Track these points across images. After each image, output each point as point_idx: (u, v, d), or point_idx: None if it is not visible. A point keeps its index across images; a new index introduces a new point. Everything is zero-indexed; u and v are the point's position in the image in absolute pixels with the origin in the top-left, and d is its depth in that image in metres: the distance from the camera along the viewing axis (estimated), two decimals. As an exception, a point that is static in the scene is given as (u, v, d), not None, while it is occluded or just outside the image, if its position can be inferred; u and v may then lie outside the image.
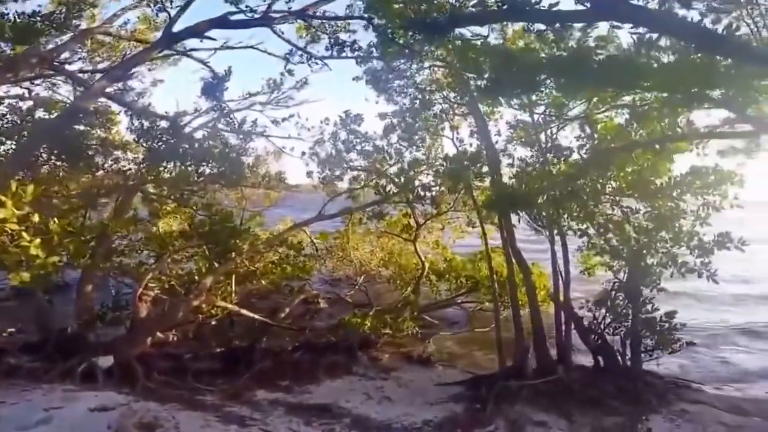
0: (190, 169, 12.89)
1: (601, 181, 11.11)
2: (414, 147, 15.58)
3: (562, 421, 9.47)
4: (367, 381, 12.45)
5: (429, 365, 14.04)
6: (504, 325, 13.26)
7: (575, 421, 9.44)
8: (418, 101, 14.91)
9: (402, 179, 15.15)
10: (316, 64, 12.84)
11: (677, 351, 11.24)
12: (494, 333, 13.26)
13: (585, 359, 12.21)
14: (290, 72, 14.41)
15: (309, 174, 16.17)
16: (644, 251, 10.80)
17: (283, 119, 16.10)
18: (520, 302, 12.70)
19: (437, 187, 15.20)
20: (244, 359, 12.50)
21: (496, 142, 13.57)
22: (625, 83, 8.11)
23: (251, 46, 13.64)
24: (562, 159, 11.86)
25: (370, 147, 15.52)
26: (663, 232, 10.67)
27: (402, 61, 13.66)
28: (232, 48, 13.91)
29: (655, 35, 6.50)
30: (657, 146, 10.33)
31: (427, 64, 14.25)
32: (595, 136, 11.47)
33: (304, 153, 16.06)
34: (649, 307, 11.14)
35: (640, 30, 6.15)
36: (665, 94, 8.61)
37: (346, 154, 15.58)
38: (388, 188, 15.22)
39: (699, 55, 7.13)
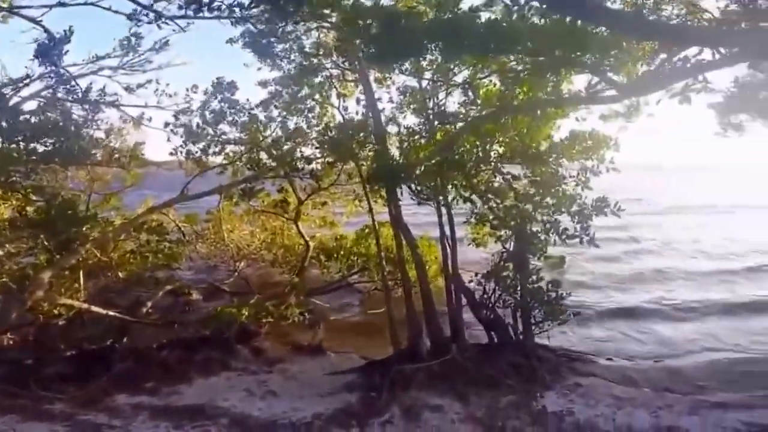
0: (20, 146, 11.87)
1: (484, 147, 11.79)
2: (296, 115, 15.44)
3: (458, 404, 10.07)
4: (248, 376, 12.41)
5: (319, 354, 14.13)
6: (397, 305, 13.67)
7: (471, 404, 10.07)
8: (302, 66, 14.73)
9: (280, 151, 14.98)
10: (167, 24, 12.17)
11: (565, 322, 12.15)
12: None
13: (480, 334, 12.99)
14: (137, 35, 13.58)
15: (174, 150, 15.47)
16: (527, 218, 11.59)
17: (139, 85, 15.22)
18: (411, 279, 13.15)
19: (320, 159, 15.30)
20: (101, 361, 12.10)
21: (383, 109, 13.93)
22: (502, 47, 8.71)
23: (92, 3, 12.66)
24: (447, 125, 12.40)
25: (246, 117, 15.16)
26: (547, 199, 11.47)
27: (280, 22, 13.35)
28: (67, 5, 12.83)
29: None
30: (537, 111, 11.16)
31: (314, 26, 14.14)
32: (478, 101, 12.10)
33: (167, 124, 15.32)
34: (534, 276, 11.92)
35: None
36: (539, 59, 9.35)
37: (217, 126, 15.11)
38: (263, 162, 15.01)
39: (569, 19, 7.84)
